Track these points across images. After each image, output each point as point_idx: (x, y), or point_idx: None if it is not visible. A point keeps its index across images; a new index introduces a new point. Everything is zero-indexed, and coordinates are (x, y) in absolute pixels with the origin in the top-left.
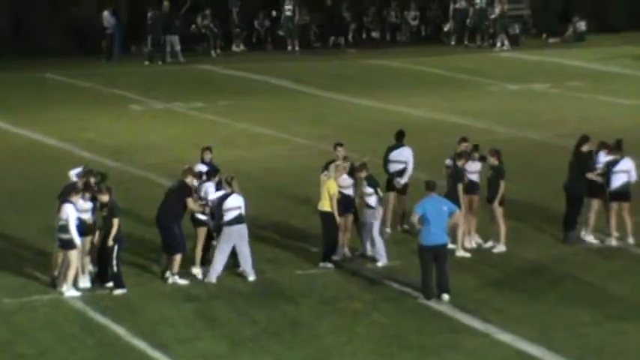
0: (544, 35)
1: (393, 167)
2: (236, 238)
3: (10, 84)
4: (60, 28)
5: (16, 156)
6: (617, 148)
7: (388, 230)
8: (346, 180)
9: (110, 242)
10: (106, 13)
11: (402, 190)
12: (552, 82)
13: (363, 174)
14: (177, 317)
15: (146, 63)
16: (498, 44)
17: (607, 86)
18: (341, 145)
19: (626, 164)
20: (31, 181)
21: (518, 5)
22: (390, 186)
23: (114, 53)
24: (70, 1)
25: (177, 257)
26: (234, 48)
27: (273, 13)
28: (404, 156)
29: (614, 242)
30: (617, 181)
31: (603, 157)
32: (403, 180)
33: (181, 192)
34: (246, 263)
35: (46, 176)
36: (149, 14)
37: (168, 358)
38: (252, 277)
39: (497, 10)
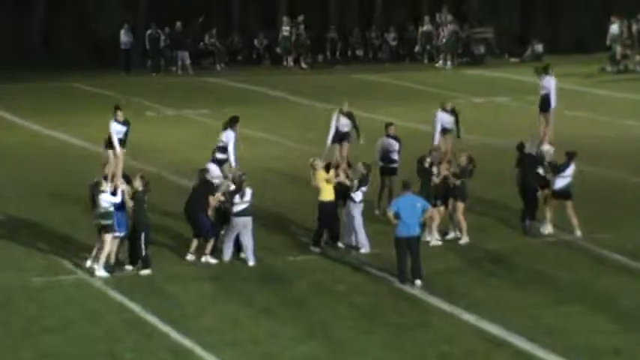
0: (506, 55)
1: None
2: (241, 228)
3: (41, 92)
4: (84, 44)
5: (47, 154)
6: (570, 156)
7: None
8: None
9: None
10: (122, 32)
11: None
12: (512, 96)
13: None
14: (184, 296)
15: (153, 74)
16: (441, 62)
17: (560, 101)
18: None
19: (572, 169)
20: (60, 176)
21: (484, 29)
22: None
23: (131, 66)
24: (93, 21)
25: (209, 242)
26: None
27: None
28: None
29: (546, 232)
30: (561, 182)
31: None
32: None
33: (204, 188)
34: (247, 250)
35: (73, 172)
36: (148, 32)
37: (177, 331)
38: (251, 263)
39: (444, 32)
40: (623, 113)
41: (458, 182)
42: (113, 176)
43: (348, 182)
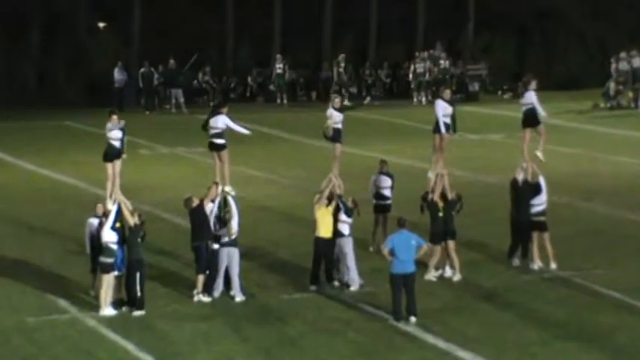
0: (499, 92)
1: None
2: (226, 260)
3: (35, 131)
4: (78, 83)
5: (40, 192)
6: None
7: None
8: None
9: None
10: (115, 70)
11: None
12: (506, 132)
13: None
14: (177, 335)
15: (147, 113)
16: (415, 99)
17: (554, 137)
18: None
19: (543, 198)
20: (53, 215)
21: (478, 66)
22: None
23: (124, 105)
24: (86, 59)
25: (199, 277)
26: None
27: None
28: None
29: (536, 266)
30: (533, 209)
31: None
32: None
33: (191, 217)
34: (234, 284)
35: (66, 210)
36: (141, 70)
37: None
38: (238, 298)
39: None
40: (617, 149)
41: (453, 195)
42: (111, 193)
43: (338, 191)
